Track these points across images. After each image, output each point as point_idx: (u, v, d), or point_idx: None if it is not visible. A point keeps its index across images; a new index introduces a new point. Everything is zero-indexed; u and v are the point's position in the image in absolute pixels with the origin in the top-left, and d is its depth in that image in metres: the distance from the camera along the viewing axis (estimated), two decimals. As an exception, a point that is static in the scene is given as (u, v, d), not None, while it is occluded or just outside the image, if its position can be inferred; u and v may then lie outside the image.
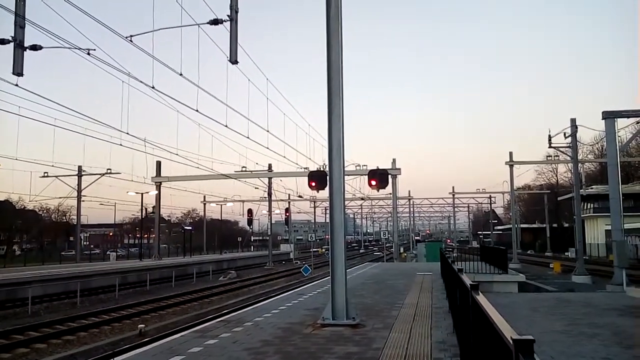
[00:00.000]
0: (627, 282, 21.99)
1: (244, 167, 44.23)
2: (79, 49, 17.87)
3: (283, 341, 8.30)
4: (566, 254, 60.35)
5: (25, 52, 16.09)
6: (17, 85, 17.10)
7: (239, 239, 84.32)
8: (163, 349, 7.94)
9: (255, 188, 53.28)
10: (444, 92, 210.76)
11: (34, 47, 16.78)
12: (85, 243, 78.87)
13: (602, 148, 55.83)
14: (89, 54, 17.76)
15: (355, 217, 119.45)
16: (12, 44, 15.51)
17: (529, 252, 75.35)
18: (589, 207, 62.33)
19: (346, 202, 10.25)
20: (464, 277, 6.18)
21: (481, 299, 4.03)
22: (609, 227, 30.96)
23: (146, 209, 55.31)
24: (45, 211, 71.01)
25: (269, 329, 9.40)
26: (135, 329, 16.27)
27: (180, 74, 19.25)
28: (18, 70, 15.89)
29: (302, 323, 9.97)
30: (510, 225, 63.02)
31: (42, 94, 19.71)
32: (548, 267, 44.33)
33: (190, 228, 74.33)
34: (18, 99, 23.32)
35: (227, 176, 43.69)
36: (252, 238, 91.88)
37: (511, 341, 2.20)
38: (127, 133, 25.22)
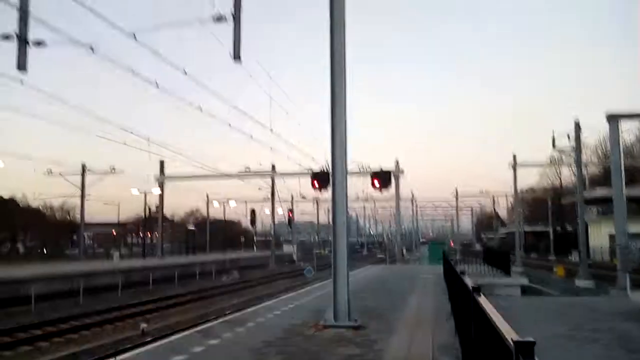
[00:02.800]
0: (631, 287, 21.89)
1: (247, 167, 44.27)
2: (83, 45, 17.93)
3: (285, 342, 8.31)
4: (570, 257, 60.12)
5: (29, 47, 16.16)
6: (21, 81, 17.18)
7: (242, 239, 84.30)
8: (165, 348, 7.96)
9: (259, 189, 53.34)
10: (447, 94, 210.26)
11: (38, 43, 16.84)
12: (88, 242, 79.02)
13: (605, 149, 55.64)
14: (92, 50, 17.81)
15: (358, 217, 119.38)
16: (15, 40, 15.57)
17: (532, 255, 75.12)
18: (593, 210, 62.09)
19: (349, 203, 10.19)
20: (466, 279, 6.18)
21: (483, 301, 4.04)
22: (613, 231, 30.89)
23: (149, 208, 55.42)
24: (48, 209, 71.15)
25: (271, 330, 9.41)
26: (138, 329, 16.31)
27: (185, 72, 19.29)
28: (22, 66, 15.95)
29: (304, 324, 9.98)
30: (514, 229, 62.89)
31: (46, 90, 19.85)
32: (551, 271, 44.20)
33: (193, 228, 74.38)
34: (22, 95, 23.38)
35: (230, 176, 43.72)
36: (255, 238, 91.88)
37: (512, 343, 2.21)
38: (131, 132, 25.34)
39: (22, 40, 15.88)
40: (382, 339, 8.48)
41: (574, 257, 55.79)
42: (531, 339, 2.11)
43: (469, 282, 5.71)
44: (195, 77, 19.35)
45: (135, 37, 17.48)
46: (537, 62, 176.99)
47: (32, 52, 16.09)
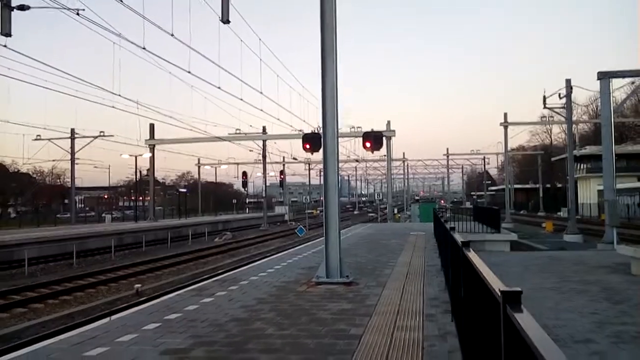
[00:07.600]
0: (617, 241, 22.25)
1: (237, 129, 43.98)
2: (68, 9, 17.54)
3: (278, 299, 8.43)
4: (558, 213, 60.90)
5: (12, 12, 15.76)
6: (5, 46, 16.82)
7: (234, 201, 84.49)
8: (160, 307, 8.05)
9: (250, 151, 53.22)
10: (439, 54, 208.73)
11: (22, 7, 16.43)
12: (80, 206, 78.89)
13: (596, 108, 55.72)
14: (78, 14, 17.44)
15: (350, 179, 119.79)
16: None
17: (521, 212, 76.01)
18: (582, 167, 62.57)
19: (340, 164, 10.24)
20: (455, 235, 6.24)
21: (472, 255, 4.08)
22: (602, 187, 31.20)
23: (140, 171, 55.22)
24: (39, 174, 70.68)
25: (264, 288, 9.53)
26: (132, 289, 16.47)
27: (172, 35, 18.97)
28: (6, 31, 15.60)
29: (296, 281, 10.11)
30: (504, 186, 63.42)
31: (31, 55, 19.48)
32: (540, 227, 44.81)
33: (185, 190, 74.35)
34: (7, 60, 22.89)
35: (221, 139, 43.46)
36: (247, 200, 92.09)
37: (499, 293, 2.24)
38: (120, 95, 25.02)
39: (6, 5, 15.47)
40: (374, 294, 8.62)
41: (563, 213, 56.48)
42: (518, 289, 2.14)
43: (459, 237, 5.77)
44: (184, 40, 19.03)
45: (122, 1, 17.09)
46: (532, 24, 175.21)
47: (16, 15, 15.72)
